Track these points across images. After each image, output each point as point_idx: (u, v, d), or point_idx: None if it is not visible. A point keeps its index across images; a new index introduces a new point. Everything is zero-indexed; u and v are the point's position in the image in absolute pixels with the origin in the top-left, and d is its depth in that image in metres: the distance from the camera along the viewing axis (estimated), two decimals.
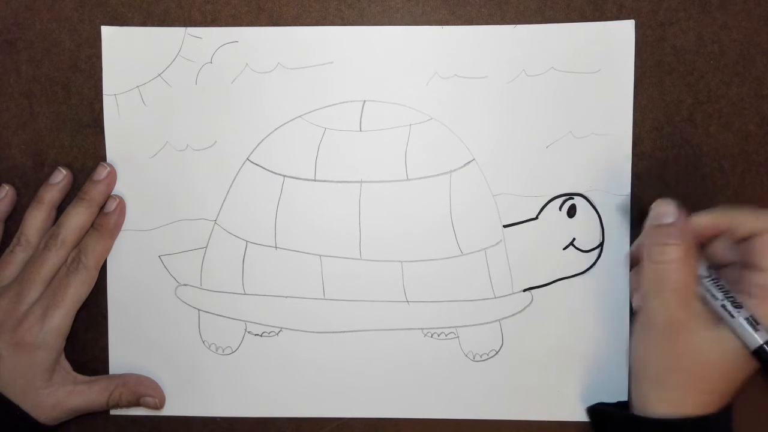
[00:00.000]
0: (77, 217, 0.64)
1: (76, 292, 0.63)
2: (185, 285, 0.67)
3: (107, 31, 0.66)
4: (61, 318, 0.62)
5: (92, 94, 0.66)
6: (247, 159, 0.66)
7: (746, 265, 0.58)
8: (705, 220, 0.60)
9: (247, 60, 0.65)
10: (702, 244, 0.61)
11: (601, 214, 0.65)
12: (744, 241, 0.58)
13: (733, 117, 0.65)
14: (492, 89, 0.65)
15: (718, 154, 0.65)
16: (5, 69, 0.66)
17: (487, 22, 0.65)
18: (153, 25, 0.65)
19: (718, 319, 0.57)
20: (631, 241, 0.65)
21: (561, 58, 0.65)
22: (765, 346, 0.55)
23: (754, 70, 0.65)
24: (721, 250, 0.61)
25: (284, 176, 0.65)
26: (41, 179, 0.66)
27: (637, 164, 0.65)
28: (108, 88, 0.66)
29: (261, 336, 0.67)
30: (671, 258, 0.58)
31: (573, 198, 0.65)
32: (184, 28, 0.65)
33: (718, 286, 0.58)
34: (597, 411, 0.64)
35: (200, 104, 0.65)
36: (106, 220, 0.65)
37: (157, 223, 0.66)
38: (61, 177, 0.65)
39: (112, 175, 0.66)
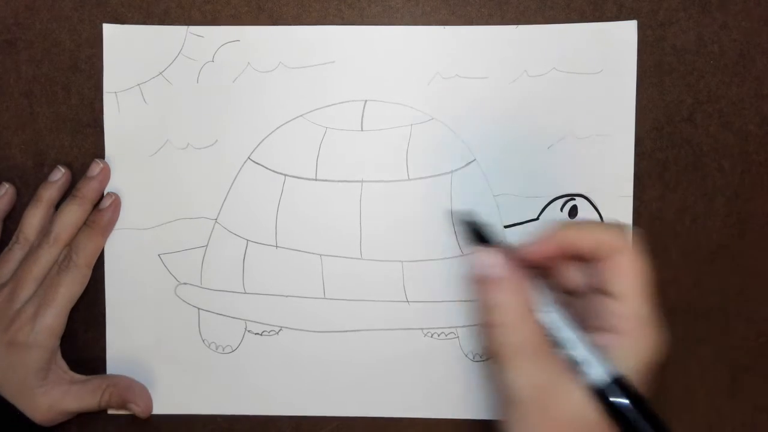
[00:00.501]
0: (70, 215, 0.64)
1: (68, 290, 0.63)
2: (185, 284, 0.67)
3: (109, 29, 0.66)
4: (52, 317, 0.62)
5: (92, 93, 0.66)
6: (248, 158, 0.66)
7: (600, 292, 0.50)
8: (539, 249, 0.52)
9: (249, 59, 0.65)
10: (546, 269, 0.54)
11: (602, 215, 0.65)
12: (592, 262, 0.51)
13: (733, 117, 0.65)
14: (494, 89, 0.65)
15: (718, 154, 0.65)
16: (5, 69, 0.66)
17: (487, 22, 0.65)
18: (153, 25, 0.65)
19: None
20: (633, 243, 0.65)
21: (563, 58, 0.65)
22: (611, 389, 0.46)
23: (754, 70, 0.65)
24: (570, 276, 0.53)
25: (285, 175, 0.65)
26: (41, 179, 0.66)
27: (637, 164, 0.65)
28: (109, 86, 0.66)
29: (261, 335, 0.67)
30: (511, 319, 0.49)
31: (574, 199, 0.65)
32: (185, 27, 0.65)
33: (550, 320, 0.50)
34: None
35: (201, 103, 0.65)
36: (99, 216, 0.65)
37: (157, 222, 0.66)
38: (59, 175, 0.65)
39: (106, 172, 0.66)
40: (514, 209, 0.65)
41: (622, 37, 0.64)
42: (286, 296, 0.66)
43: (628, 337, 0.48)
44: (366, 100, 0.65)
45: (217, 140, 0.66)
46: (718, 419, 0.67)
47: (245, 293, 0.66)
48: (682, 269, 0.66)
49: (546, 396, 0.47)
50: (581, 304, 0.52)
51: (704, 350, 0.66)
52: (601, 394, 0.46)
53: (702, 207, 0.66)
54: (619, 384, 0.46)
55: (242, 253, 0.66)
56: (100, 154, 0.66)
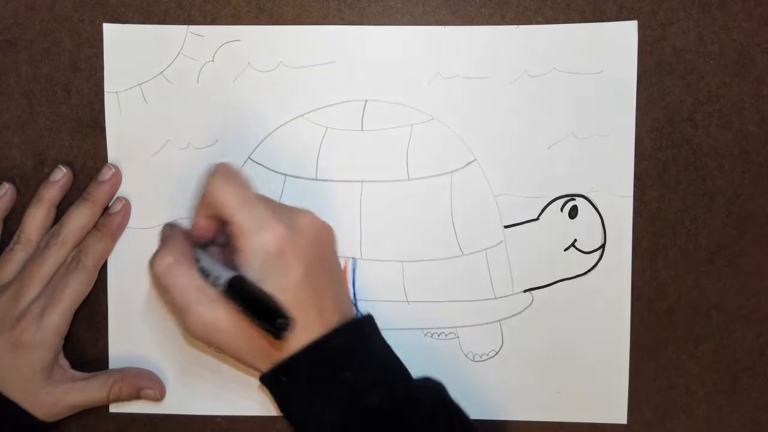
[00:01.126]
0: (79, 217, 0.64)
1: (75, 291, 0.63)
2: None
3: (109, 29, 0.65)
4: (58, 317, 0.62)
5: (92, 93, 0.66)
6: (249, 158, 0.65)
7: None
8: (196, 235, 0.61)
9: (249, 59, 0.65)
10: None
11: (603, 216, 0.65)
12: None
13: (733, 117, 0.65)
14: (494, 89, 0.65)
15: (719, 154, 0.65)
16: (5, 69, 0.66)
17: (487, 22, 0.65)
18: (153, 24, 0.65)
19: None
20: (633, 243, 0.65)
21: (563, 58, 0.65)
22: (225, 290, 0.54)
23: (754, 70, 0.65)
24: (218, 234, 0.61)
25: (285, 175, 0.65)
26: (41, 179, 0.66)
27: (637, 164, 0.65)
28: (109, 86, 0.66)
29: None
30: (178, 286, 0.57)
31: (575, 199, 0.65)
32: (186, 27, 0.65)
33: (200, 267, 0.58)
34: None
35: (202, 103, 0.65)
36: (110, 220, 0.65)
37: (157, 222, 0.66)
38: (61, 175, 0.65)
39: (117, 177, 0.65)
40: (515, 209, 0.65)
41: (622, 37, 0.64)
42: None
43: (243, 250, 0.56)
44: (366, 100, 0.65)
45: (217, 140, 0.66)
46: (718, 419, 0.67)
47: None
48: (682, 269, 0.66)
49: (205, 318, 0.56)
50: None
51: (704, 350, 0.66)
52: (227, 287, 0.54)
53: (702, 207, 0.66)
54: (237, 280, 0.54)
55: None
56: (100, 154, 0.66)
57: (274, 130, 0.65)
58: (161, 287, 0.58)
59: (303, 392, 0.56)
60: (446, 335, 0.66)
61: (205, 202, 0.58)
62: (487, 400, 0.66)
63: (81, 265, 0.63)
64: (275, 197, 0.65)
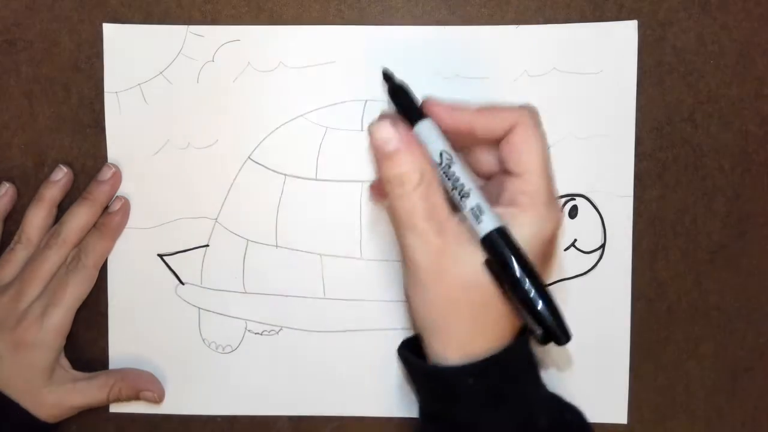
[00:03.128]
0: (80, 217, 0.64)
1: (75, 291, 0.63)
2: (186, 284, 0.67)
3: (109, 29, 0.65)
4: (60, 317, 0.62)
5: (92, 94, 0.66)
6: (249, 158, 0.65)
7: (504, 172, 0.53)
8: (448, 121, 0.53)
9: (249, 59, 0.65)
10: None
11: (603, 216, 0.65)
12: (499, 144, 0.53)
13: (733, 117, 0.65)
14: (494, 89, 0.65)
15: (719, 154, 0.65)
16: (5, 69, 0.66)
17: (487, 22, 0.65)
18: (153, 24, 0.65)
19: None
20: (633, 243, 0.65)
21: (563, 58, 0.65)
22: (491, 235, 0.48)
23: (754, 70, 0.65)
24: (483, 158, 0.55)
25: (285, 175, 0.65)
26: (42, 179, 0.66)
27: (637, 164, 0.65)
28: (109, 86, 0.66)
29: (261, 335, 0.67)
30: (409, 189, 0.50)
31: (575, 199, 0.65)
32: (186, 27, 0.65)
33: (447, 173, 0.51)
34: (404, 356, 0.57)
35: (202, 103, 0.65)
36: (109, 219, 0.65)
37: (157, 222, 0.66)
38: (61, 175, 0.65)
39: (117, 176, 0.66)
40: None
41: (622, 37, 0.64)
42: (286, 296, 0.66)
43: (524, 211, 0.50)
44: (366, 100, 0.65)
45: (217, 140, 0.66)
46: (718, 419, 0.67)
47: (245, 293, 0.66)
48: (682, 269, 0.66)
49: (441, 261, 0.50)
50: (491, 187, 0.54)
51: (704, 350, 0.66)
52: (486, 241, 0.48)
53: (702, 207, 0.66)
54: (502, 233, 0.48)
55: (242, 253, 0.66)
56: (100, 154, 0.66)
57: (274, 130, 0.65)
58: (389, 165, 0.51)
59: (482, 396, 0.51)
60: None
61: (492, 118, 0.52)
62: None
63: (81, 264, 0.63)
64: (275, 197, 0.65)
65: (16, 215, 0.66)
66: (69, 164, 0.66)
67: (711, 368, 0.67)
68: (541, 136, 0.52)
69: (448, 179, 0.51)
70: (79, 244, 0.64)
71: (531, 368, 0.55)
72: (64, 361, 0.65)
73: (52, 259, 0.63)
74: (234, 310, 0.66)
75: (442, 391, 0.53)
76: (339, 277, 0.66)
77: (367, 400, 0.67)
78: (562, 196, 0.65)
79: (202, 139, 0.66)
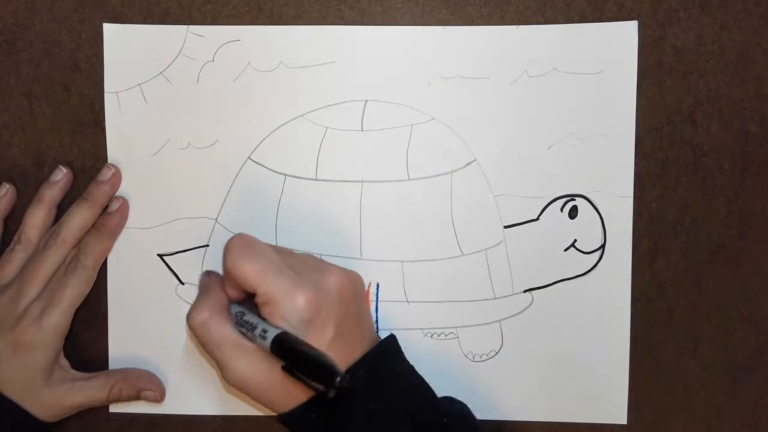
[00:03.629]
0: (79, 217, 0.64)
1: (74, 291, 0.63)
2: (186, 284, 0.67)
3: (109, 29, 0.65)
4: (58, 317, 0.62)
5: (92, 93, 0.66)
6: (249, 158, 0.65)
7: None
8: (231, 296, 0.61)
9: (249, 59, 0.65)
10: None
11: (603, 216, 0.65)
12: None
13: (733, 117, 0.65)
14: (494, 90, 0.65)
15: (718, 154, 0.65)
16: (5, 69, 0.66)
17: (487, 22, 0.65)
18: (154, 24, 0.65)
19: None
20: (633, 243, 0.65)
21: (563, 58, 0.65)
22: (274, 345, 0.55)
23: (754, 70, 0.65)
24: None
25: (285, 175, 0.65)
26: (41, 179, 0.66)
27: (637, 164, 0.65)
28: (109, 86, 0.66)
29: None
30: (215, 338, 0.58)
31: (575, 199, 0.65)
32: (186, 27, 0.65)
33: (240, 323, 0.58)
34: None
35: (202, 103, 0.65)
36: (108, 220, 0.65)
37: (157, 222, 0.66)
38: (61, 175, 0.65)
39: (117, 177, 0.66)
40: (515, 209, 0.65)
41: (622, 37, 0.64)
42: None
43: (274, 317, 0.56)
44: (366, 100, 0.65)
45: (217, 140, 0.66)
46: (718, 419, 0.67)
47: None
48: (682, 269, 0.66)
49: (232, 368, 0.57)
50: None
51: (704, 350, 0.66)
52: (275, 342, 0.54)
53: (702, 207, 0.66)
54: (284, 336, 0.55)
55: None
56: (100, 154, 0.66)
57: (274, 130, 0.65)
58: (199, 340, 0.59)
59: (329, 428, 0.57)
60: (446, 335, 0.66)
61: (228, 276, 0.59)
62: (486, 400, 0.66)
63: (80, 265, 0.63)
64: (275, 197, 0.65)
65: (16, 215, 0.66)
66: (69, 164, 0.66)
67: (711, 368, 0.67)
68: (246, 251, 0.58)
69: (242, 326, 0.58)
70: (78, 245, 0.64)
71: (371, 385, 0.58)
72: (64, 362, 0.65)
73: (51, 260, 0.63)
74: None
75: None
76: None
77: None
78: (562, 197, 0.65)
79: (202, 139, 0.66)
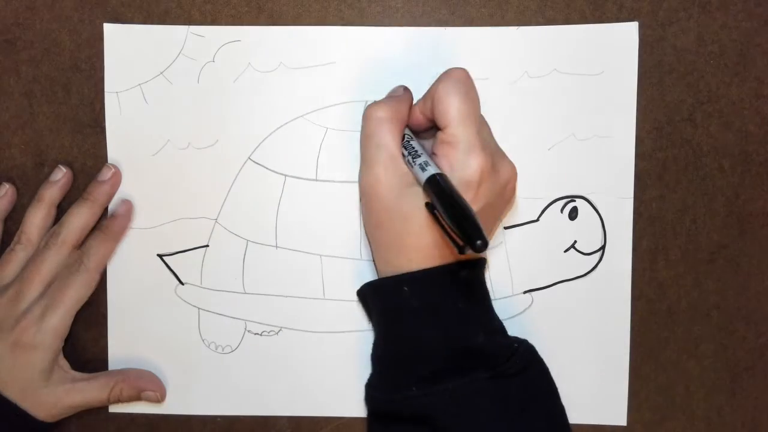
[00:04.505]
0: (80, 217, 0.64)
1: (76, 293, 0.63)
2: (186, 284, 0.67)
3: (109, 29, 0.65)
4: (59, 319, 0.62)
5: (92, 93, 0.66)
6: (249, 158, 0.66)
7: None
8: (414, 120, 0.62)
9: (250, 59, 0.65)
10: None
11: (603, 217, 0.65)
12: None
13: (733, 117, 0.65)
14: (494, 91, 0.65)
15: (718, 154, 0.65)
16: (5, 69, 0.66)
17: (487, 23, 0.65)
18: (154, 25, 0.65)
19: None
20: (634, 243, 0.65)
21: (564, 59, 0.65)
22: (431, 180, 0.55)
23: (754, 70, 0.65)
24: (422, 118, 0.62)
25: (286, 176, 0.65)
26: (41, 179, 0.66)
27: (637, 164, 0.65)
28: (110, 86, 0.66)
29: (261, 335, 0.67)
30: (380, 138, 0.59)
31: (575, 200, 0.65)
32: (186, 27, 0.65)
33: (405, 145, 0.59)
34: (360, 292, 0.64)
35: (202, 103, 0.65)
36: (113, 222, 0.65)
37: (157, 222, 0.66)
38: (60, 175, 0.65)
39: (117, 177, 0.66)
40: (515, 210, 0.65)
41: (623, 38, 0.64)
42: (286, 296, 0.66)
43: (441, 159, 0.57)
44: (367, 101, 0.65)
45: (217, 140, 0.66)
46: (718, 419, 0.67)
47: (245, 293, 0.66)
48: (682, 269, 0.66)
49: (388, 196, 0.58)
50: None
51: (704, 350, 0.67)
52: (434, 178, 0.55)
53: (702, 207, 0.66)
54: (439, 177, 0.55)
55: (242, 253, 0.66)
56: (100, 154, 0.66)
57: (274, 131, 0.65)
58: (364, 130, 0.60)
59: (418, 311, 0.58)
60: None
61: (427, 98, 0.59)
62: None
63: (83, 267, 0.63)
64: (275, 198, 0.65)
65: (16, 215, 0.66)
66: (69, 164, 0.66)
67: (711, 368, 0.67)
68: (462, 90, 0.58)
69: (406, 149, 0.59)
70: (82, 247, 0.64)
71: (472, 291, 0.60)
72: (63, 362, 0.65)
73: (52, 260, 0.63)
74: (234, 310, 0.66)
75: (384, 304, 0.61)
76: (339, 278, 0.66)
77: None
78: (562, 198, 0.65)
79: (202, 139, 0.66)
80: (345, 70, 0.65)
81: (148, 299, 0.67)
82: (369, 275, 0.65)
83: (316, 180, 0.65)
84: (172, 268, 0.67)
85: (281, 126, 0.65)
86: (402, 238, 0.58)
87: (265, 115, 0.65)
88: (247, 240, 0.66)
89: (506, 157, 0.60)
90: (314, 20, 0.65)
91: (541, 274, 0.66)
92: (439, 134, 0.58)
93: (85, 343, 0.67)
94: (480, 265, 0.61)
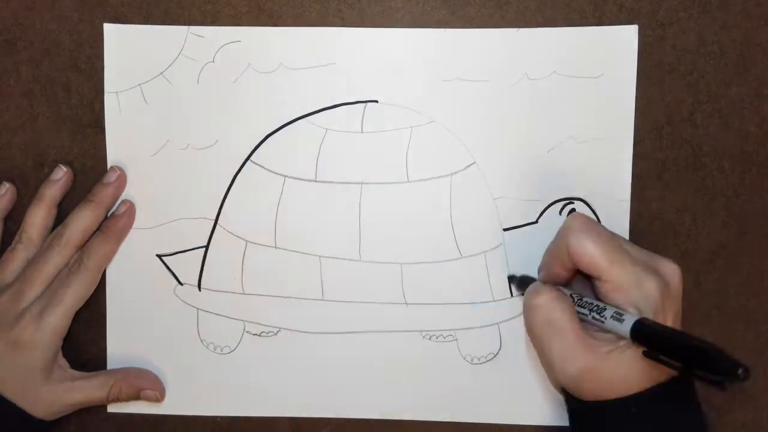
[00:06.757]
0: (83, 219, 0.64)
1: (76, 293, 0.63)
2: (184, 284, 0.67)
3: (109, 29, 0.65)
4: (58, 318, 0.62)
5: (92, 94, 0.66)
6: (249, 159, 0.66)
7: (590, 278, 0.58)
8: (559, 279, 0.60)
9: (250, 60, 0.65)
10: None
11: (600, 219, 0.65)
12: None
13: (733, 117, 0.65)
14: (494, 92, 0.65)
15: (718, 155, 0.65)
16: (5, 69, 0.66)
17: (486, 23, 0.65)
18: (154, 25, 0.65)
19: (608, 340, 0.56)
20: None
21: (563, 61, 0.65)
22: (634, 328, 0.53)
23: (754, 70, 0.65)
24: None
25: (285, 176, 0.65)
26: (41, 179, 0.66)
27: (637, 165, 0.65)
28: (110, 86, 0.66)
29: (260, 336, 0.67)
30: (555, 318, 0.57)
31: (573, 202, 0.65)
32: (186, 27, 0.65)
33: (580, 304, 0.58)
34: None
35: (202, 103, 0.66)
36: (114, 222, 0.65)
37: (157, 222, 0.66)
38: (61, 174, 0.65)
39: (122, 179, 0.66)
40: (514, 212, 0.65)
41: (622, 41, 0.64)
42: (285, 297, 0.66)
43: (620, 305, 0.55)
44: (367, 102, 0.65)
45: (217, 141, 0.66)
46: (718, 419, 0.67)
47: (244, 294, 0.66)
48: (682, 269, 0.66)
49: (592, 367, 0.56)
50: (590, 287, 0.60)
51: None
52: (636, 331, 0.53)
53: (702, 207, 0.66)
54: (644, 321, 0.53)
55: (241, 254, 0.66)
56: (100, 154, 0.66)
57: (274, 132, 0.65)
58: (539, 316, 0.58)
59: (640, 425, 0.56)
60: (445, 338, 0.66)
61: (562, 254, 0.58)
62: (486, 403, 0.66)
63: (84, 266, 0.63)
64: (274, 199, 0.66)
65: (16, 215, 0.66)
66: (69, 164, 0.66)
67: None
68: (592, 232, 0.56)
69: (583, 307, 0.57)
70: (83, 246, 0.64)
71: (685, 404, 0.57)
72: (63, 361, 0.65)
73: (55, 260, 0.63)
74: (232, 311, 0.67)
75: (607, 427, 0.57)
76: (338, 279, 0.66)
77: (365, 402, 0.67)
78: (561, 200, 0.65)
79: (202, 139, 0.66)
80: (345, 71, 0.65)
81: (147, 299, 0.67)
82: (367, 277, 0.65)
83: (316, 181, 0.65)
84: (171, 268, 0.67)
85: (281, 127, 0.65)
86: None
87: (265, 115, 0.65)
88: (246, 240, 0.66)
89: (659, 259, 0.58)
90: (314, 20, 0.65)
91: None
92: (599, 284, 0.56)
93: (84, 343, 0.67)
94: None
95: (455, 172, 0.65)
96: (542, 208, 0.66)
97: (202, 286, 0.67)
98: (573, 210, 0.65)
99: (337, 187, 0.65)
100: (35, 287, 0.63)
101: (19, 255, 0.65)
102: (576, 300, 0.58)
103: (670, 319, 0.55)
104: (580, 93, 0.65)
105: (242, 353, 0.67)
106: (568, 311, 0.56)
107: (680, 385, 0.56)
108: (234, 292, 0.67)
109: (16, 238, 0.65)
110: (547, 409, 0.67)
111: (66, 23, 0.66)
